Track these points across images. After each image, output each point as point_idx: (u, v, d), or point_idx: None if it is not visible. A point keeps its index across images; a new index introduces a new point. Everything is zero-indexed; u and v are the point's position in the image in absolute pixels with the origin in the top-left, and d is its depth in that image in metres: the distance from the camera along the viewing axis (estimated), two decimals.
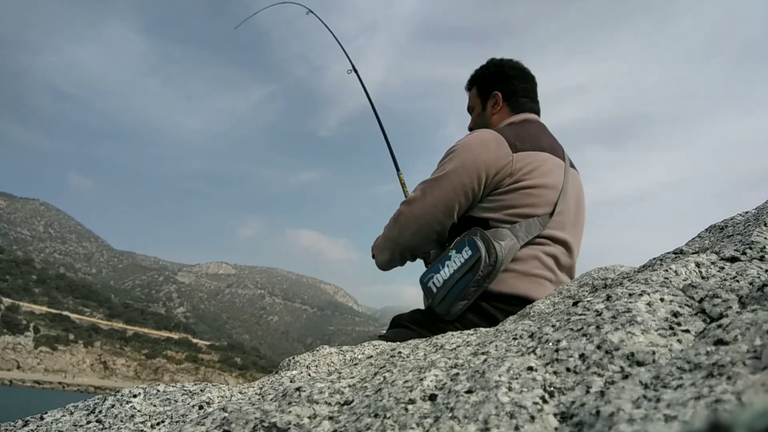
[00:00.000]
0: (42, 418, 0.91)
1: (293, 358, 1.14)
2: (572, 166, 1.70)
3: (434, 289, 1.46)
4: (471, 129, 1.84)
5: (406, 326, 1.56)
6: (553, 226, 1.54)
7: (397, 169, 2.43)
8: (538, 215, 1.53)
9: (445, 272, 1.46)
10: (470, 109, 1.87)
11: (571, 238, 1.61)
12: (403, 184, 2.37)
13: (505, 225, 1.50)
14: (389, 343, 1.15)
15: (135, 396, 0.93)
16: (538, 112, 1.79)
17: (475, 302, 1.45)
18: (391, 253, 1.65)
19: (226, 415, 0.70)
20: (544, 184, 1.54)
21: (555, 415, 0.53)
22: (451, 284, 1.44)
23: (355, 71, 2.81)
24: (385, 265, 1.72)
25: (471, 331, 0.96)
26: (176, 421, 0.84)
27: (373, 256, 1.77)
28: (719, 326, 0.57)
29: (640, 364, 0.56)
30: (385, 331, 1.67)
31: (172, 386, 0.97)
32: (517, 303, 1.42)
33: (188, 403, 0.89)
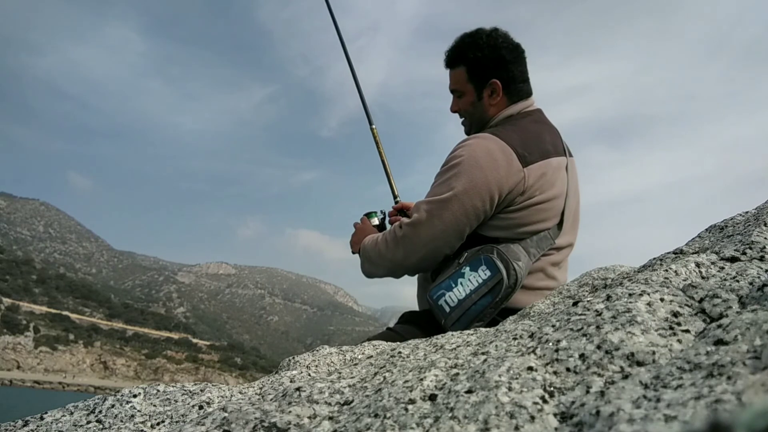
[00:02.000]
0: (42, 418, 0.91)
1: (293, 358, 1.14)
2: (569, 153, 1.61)
3: (447, 309, 1.37)
4: (454, 111, 1.69)
5: (415, 323, 1.55)
6: (559, 234, 1.49)
7: (370, 122, 2.14)
8: (548, 228, 1.47)
9: (460, 291, 1.36)
10: (456, 92, 1.65)
11: (573, 237, 1.58)
12: (377, 143, 2.09)
13: (515, 241, 1.42)
14: (389, 343, 1.15)
15: (135, 396, 0.93)
16: (532, 92, 1.63)
17: None
18: (388, 271, 1.54)
19: (226, 415, 0.70)
20: (553, 195, 1.46)
21: (555, 415, 0.53)
22: (468, 305, 1.35)
23: None
24: (373, 277, 1.61)
25: (471, 331, 0.96)
26: (176, 421, 0.84)
27: (353, 252, 1.66)
28: (719, 326, 0.57)
29: (640, 364, 0.56)
30: (392, 325, 1.67)
31: (172, 386, 0.97)
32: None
33: (188, 403, 0.89)
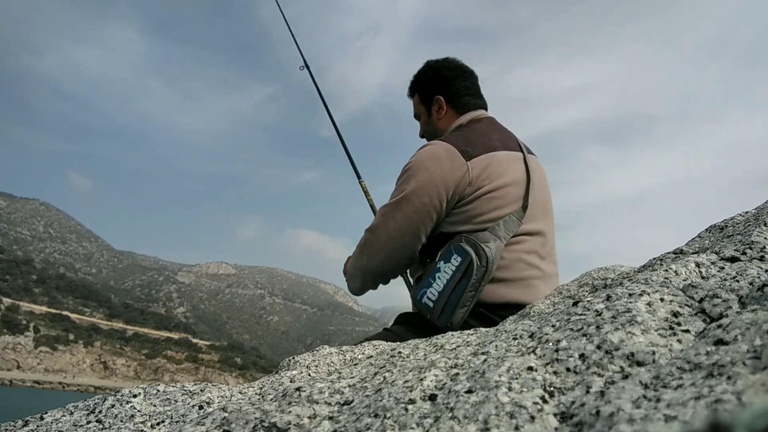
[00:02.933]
0: (42, 418, 0.91)
1: (293, 358, 1.14)
2: (530, 152, 1.68)
3: (431, 304, 1.43)
4: (422, 136, 1.85)
5: (410, 323, 1.56)
6: (526, 219, 1.54)
7: (358, 176, 2.32)
8: (510, 213, 1.52)
9: (439, 284, 1.43)
10: (417, 117, 1.87)
11: (545, 226, 1.62)
12: (366, 192, 2.26)
13: (482, 231, 1.48)
14: (389, 343, 1.15)
15: (135, 396, 0.93)
16: (485, 107, 1.76)
17: (474, 309, 1.45)
18: (362, 281, 1.65)
19: (226, 415, 0.70)
20: (504, 183, 1.53)
21: (555, 415, 0.53)
22: (447, 294, 1.41)
23: (308, 67, 2.70)
24: (358, 292, 1.72)
25: (471, 331, 0.96)
26: (176, 421, 0.84)
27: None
28: (719, 326, 0.57)
29: (640, 364, 0.56)
30: (390, 325, 1.69)
31: (172, 386, 0.97)
32: (514, 309, 1.41)
33: (188, 403, 0.89)
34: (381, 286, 1.73)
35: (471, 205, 1.50)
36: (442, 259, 1.45)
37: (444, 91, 1.74)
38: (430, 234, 1.55)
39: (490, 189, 1.50)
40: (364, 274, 1.63)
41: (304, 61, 2.72)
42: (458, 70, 1.77)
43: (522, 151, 1.64)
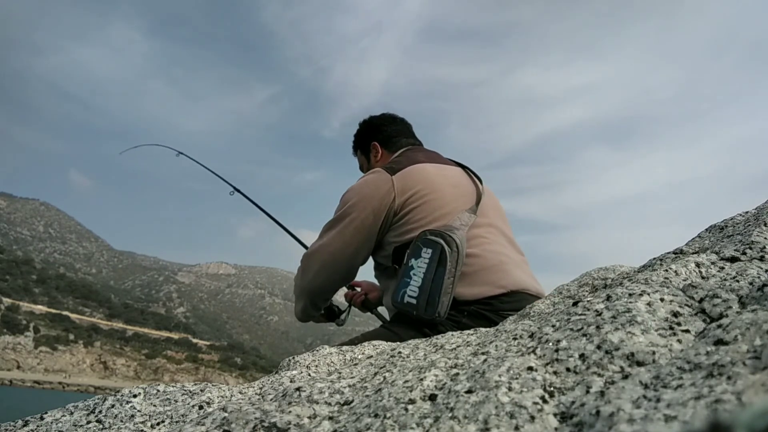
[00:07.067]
0: (42, 418, 0.91)
1: (293, 358, 1.14)
2: (467, 167, 1.78)
3: (414, 301, 1.44)
4: None
5: (406, 323, 1.57)
6: (480, 214, 1.61)
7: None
8: (460, 208, 1.58)
9: (417, 280, 1.45)
10: (361, 168, 2.04)
11: (503, 224, 1.69)
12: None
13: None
14: (389, 343, 1.15)
15: (135, 396, 0.93)
16: (414, 143, 1.90)
17: (467, 308, 1.47)
18: (302, 301, 1.73)
19: (226, 415, 0.70)
20: (436, 186, 1.60)
21: (555, 415, 0.53)
22: (427, 286, 1.42)
23: (238, 191, 2.73)
24: (301, 314, 1.80)
25: (471, 331, 0.95)
26: (176, 421, 0.84)
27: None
28: (719, 326, 0.57)
29: (640, 364, 0.56)
30: (387, 320, 1.71)
31: (172, 386, 0.97)
32: (494, 301, 1.46)
33: (188, 403, 0.89)
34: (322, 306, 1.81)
35: (410, 214, 1.57)
36: (412, 257, 1.47)
37: (377, 137, 1.92)
38: (378, 249, 1.64)
39: (422, 194, 1.58)
40: (302, 292, 1.71)
41: (233, 187, 2.75)
42: (388, 118, 1.97)
43: (463, 168, 1.75)
